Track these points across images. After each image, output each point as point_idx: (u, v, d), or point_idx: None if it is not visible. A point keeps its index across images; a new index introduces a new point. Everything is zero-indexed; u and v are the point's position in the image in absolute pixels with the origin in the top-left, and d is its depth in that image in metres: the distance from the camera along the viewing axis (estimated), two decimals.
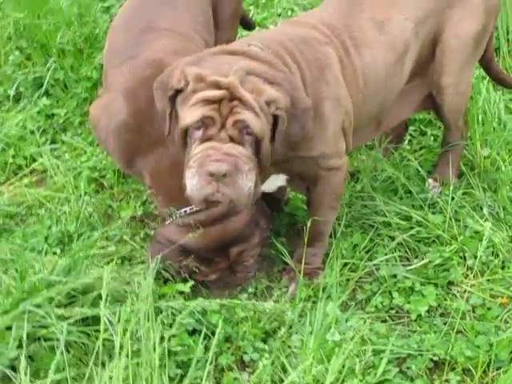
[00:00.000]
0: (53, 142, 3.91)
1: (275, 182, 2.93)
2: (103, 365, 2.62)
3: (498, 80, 3.66)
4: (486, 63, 3.50)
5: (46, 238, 3.23)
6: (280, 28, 3.08)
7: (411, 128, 3.82)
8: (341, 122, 2.86)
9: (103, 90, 3.18)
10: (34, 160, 3.74)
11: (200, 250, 2.89)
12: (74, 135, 3.93)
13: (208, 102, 2.49)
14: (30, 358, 2.59)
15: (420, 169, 3.45)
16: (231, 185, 2.50)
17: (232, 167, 2.47)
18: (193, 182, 2.53)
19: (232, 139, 2.50)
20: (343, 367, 2.50)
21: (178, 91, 2.57)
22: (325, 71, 2.78)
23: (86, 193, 3.44)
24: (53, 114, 4.04)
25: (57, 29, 4.17)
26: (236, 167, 2.48)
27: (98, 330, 2.72)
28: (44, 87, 4.10)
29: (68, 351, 2.66)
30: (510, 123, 3.65)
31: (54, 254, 3.14)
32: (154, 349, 2.48)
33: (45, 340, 2.66)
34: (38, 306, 2.66)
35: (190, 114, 2.52)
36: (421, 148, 3.77)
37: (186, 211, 2.89)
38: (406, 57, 3.03)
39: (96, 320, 2.77)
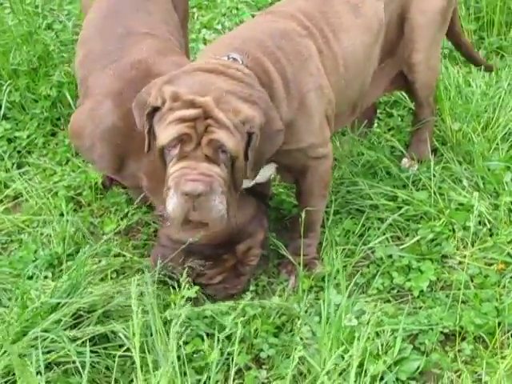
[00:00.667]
0: (19, 166, 3.81)
1: (266, 172, 2.94)
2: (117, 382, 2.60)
3: (468, 56, 3.74)
4: (455, 39, 3.57)
5: (34, 263, 3.15)
6: (259, 22, 3.05)
7: (378, 111, 3.88)
8: (325, 111, 2.89)
9: (82, 98, 3.12)
10: (6, 186, 3.64)
11: (206, 246, 2.86)
12: (39, 156, 3.85)
13: (184, 120, 2.52)
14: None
15: (400, 147, 3.49)
16: (205, 205, 2.53)
17: (207, 187, 2.51)
18: (171, 202, 2.57)
19: (207, 157, 2.53)
20: (365, 351, 2.52)
21: (156, 109, 2.59)
22: (307, 63, 2.81)
23: (67, 212, 3.36)
24: (15, 137, 3.93)
25: (8, 50, 4.06)
26: (211, 188, 2.52)
27: (107, 348, 2.71)
28: (2, 111, 3.98)
29: (80, 373, 2.61)
30: (472, 96, 3.73)
31: (46, 277, 3.06)
32: (173, 359, 2.46)
33: (56, 364, 2.61)
34: (46, 331, 2.61)
35: (166, 132, 2.55)
36: (389, 129, 3.83)
37: None
38: (379, 37, 3.07)
39: (103, 338, 2.74)
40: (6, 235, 3.39)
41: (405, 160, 3.51)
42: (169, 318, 2.64)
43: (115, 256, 3.18)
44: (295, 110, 2.79)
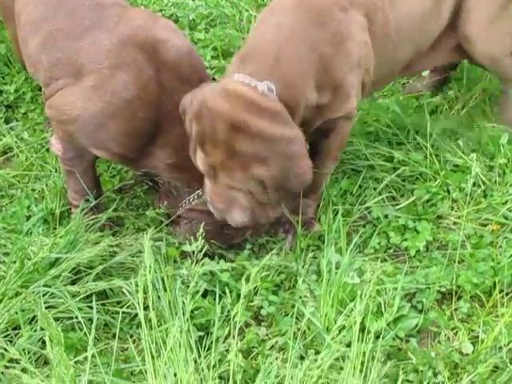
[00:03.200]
0: (7, 121, 3.73)
1: None
2: (121, 338, 2.59)
3: None
4: None
5: (28, 219, 3.11)
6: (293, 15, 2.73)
7: None
8: (361, 82, 2.87)
9: (63, 79, 2.78)
10: None
11: None
12: (28, 111, 3.78)
13: None
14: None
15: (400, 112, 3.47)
16: None
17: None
18: None
19: None
20: (367, 308, 2.54)
21: None
22: (345, 44, 2.72)
23: (58, 168, 3.30)
24: (1, 91, 3.85)
25: None
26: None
27: (105, 304, 2.70)
28: None
29: (80, 329, 2.59)
30: None
31: (39, 234, 3.03)
32: (178, 314, 2.45)
33: (55, 320, 2.59)
34: (46, 285, 2.59)
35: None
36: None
37: None
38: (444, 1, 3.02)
39: (101, 294, 2.73)
40: None
41: None
42: (169, 274, 2.66)
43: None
44: (330, 94, 2.74)
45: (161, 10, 4.54)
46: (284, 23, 2.70)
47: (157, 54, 2.72)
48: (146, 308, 2.38)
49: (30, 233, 3.03)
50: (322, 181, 3.03)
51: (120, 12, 2.80)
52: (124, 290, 2.49)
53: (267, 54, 2.63)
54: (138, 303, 2.41)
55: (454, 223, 3.10)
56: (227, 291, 2.61)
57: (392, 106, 3.53)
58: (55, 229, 3.06)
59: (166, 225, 3.04)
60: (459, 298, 2.80)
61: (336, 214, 3.04)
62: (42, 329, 2.47)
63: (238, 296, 2.75)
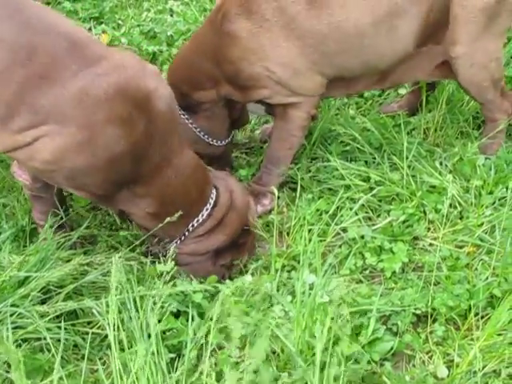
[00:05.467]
0: None
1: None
2: (91, 360, 2.53)
3: None
4: None
5: None
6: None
7: None
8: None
9: (47, 126, 2.54)
10: None
11: (228, 240, 2.93)
12: None
13: None
14: None
15: (374, 129, 3.47)
16: None
17: None
18: None
19: None
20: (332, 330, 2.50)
21: None
22: None
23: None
24: None
25: None
26: None
27: (75, 325, 2.64)
28: None
29: (49, 350, 2.53)
30: None
31: (10, 252, 2.95)
32: (152, 336, 2.41)
33: (22, 341, 2.53)
34: (14, 305, 2.52)
35: None
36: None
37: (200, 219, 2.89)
38: (400, 19, 3.02)
39: (71, 314, 2.67)
40: None
41: None
42: (141, 294, 2.61)
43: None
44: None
45: (139, 25, 4.53)
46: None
47: (148, 106, 2.62)
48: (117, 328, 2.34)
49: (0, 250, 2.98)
50: (278, 154, 3.28)
51: (105, 53, 2.61)
52: (94, 310, 2.43)
53: None
54: (108, 324, 2.37)
55: (430, 244, 3.09)
56: (199, 312, 2.57)
57: (368, 125, 3.53)
58: (25, 246, 3.00)
59: (140, 244, 3.01)
60: (434, 320, 2.77)
61: (311, 234, 3.02)
62: None
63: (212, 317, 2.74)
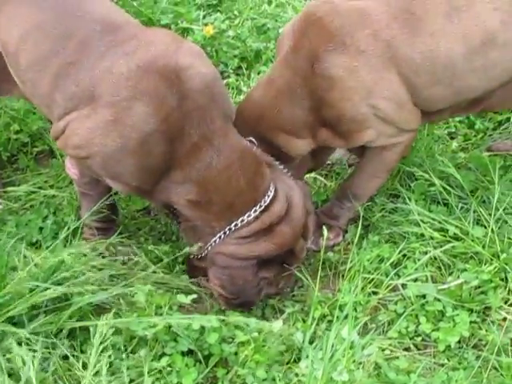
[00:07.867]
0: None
1: None
2: None
3: None
4: None
5: (41, 230, 2.96)
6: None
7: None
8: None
9: (77, 111, 2.53)
10: (41, 138, 3.44)
11: (275, 252, 2.62)
12: None
13: None
14: None
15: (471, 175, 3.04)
16: None
17: None
18: None
19: None
20: None
21: None
22: None
23: None
24: None
25: None
26: None
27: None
28: None
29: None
30: None
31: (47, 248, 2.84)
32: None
33: None
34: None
35: None
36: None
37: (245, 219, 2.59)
38: (492, 48, 2.63)
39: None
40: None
41: None
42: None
43: None
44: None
45: (253, 19, 4.28)
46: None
47: (180, 82, 2.44)
48: None
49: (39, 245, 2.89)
50: (357, 193, 2.95)
51: (137, 33, 2.54)
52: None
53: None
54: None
55: (504, 319, 2.62)
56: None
57: (468, 162, 3.08)
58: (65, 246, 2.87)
59: (183, 262, 2.80)
60: None
61: (365, 283, 2.66)
62: None
63: (224, 363, 2.48)
